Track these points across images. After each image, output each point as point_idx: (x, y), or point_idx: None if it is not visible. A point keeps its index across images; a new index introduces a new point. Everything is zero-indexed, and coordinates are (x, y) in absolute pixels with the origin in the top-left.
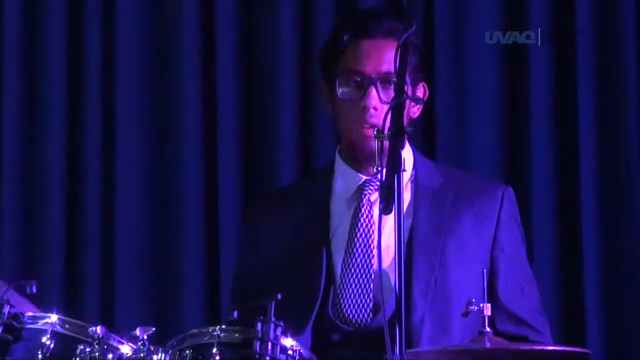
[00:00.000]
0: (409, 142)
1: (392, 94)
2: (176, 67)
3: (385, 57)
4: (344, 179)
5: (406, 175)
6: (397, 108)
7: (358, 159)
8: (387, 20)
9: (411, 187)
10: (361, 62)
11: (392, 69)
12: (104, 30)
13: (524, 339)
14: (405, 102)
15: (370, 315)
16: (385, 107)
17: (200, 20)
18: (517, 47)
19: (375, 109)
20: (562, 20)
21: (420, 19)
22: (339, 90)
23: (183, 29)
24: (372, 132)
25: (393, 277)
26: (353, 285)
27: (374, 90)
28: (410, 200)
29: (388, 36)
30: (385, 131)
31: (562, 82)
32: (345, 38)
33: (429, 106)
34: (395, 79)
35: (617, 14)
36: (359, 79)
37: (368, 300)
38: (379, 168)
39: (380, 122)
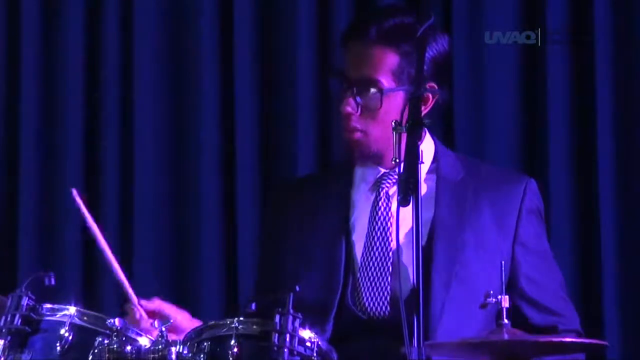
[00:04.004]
0: (430, 134)
1: (371, 99)
2: (194, 61)
3: (367, 63)
4: (363, 170)
5: (424, 167)
6: (414, 101)
7: (354, 161)
8: (384, 23)
9: (432, 179)
10: (346, 65)
11: (374, 75)
12: (122, 30)
13: (552, 328)
14: (422, 95)
15: (388, 307)
16: (367, 111)
17: (218, 15)
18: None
19: (350, 114)
20: (580, 18)
21: (438, 14)
22: (334, 89)
23: (201, 25)
24: (354, 137)
25: (411, 269)
26: (372, 277)
27: (349, 97)
28: (432, 192)
29: (381, 42)
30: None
31: (579, 77)
32: (342, 41)
33: (447, 101)
34: (373, 86)
35: (633, 12)
36: (341, 83)
37: (386, 293)
38: (397, 160)
39: (360, 125)
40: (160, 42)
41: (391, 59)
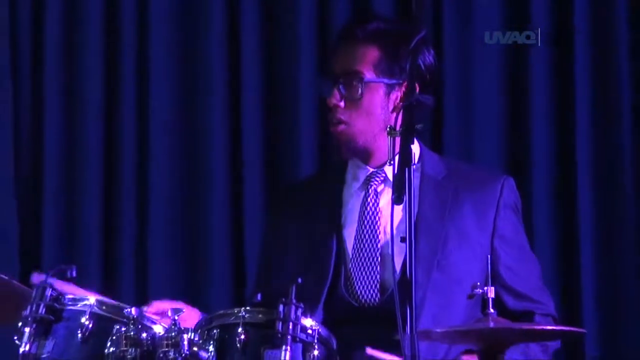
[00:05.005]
0: (415, 136)
1: (353, 89)
2: (204, 71)
3: (351, 58)
4: (354, 170)
5: None
6: (407, 108)
7: (342, 154)
8: (368, 26)
9: (417, 177)
10: (333, 64)
11: (355, 67)
12: (139, 37)
13: (530, 313)
14: (415, 101)
15: (378, 294)
16: (351, 103)
17: (226, 25)
18: (518, 47)
19: (336, 105)
20: (561, 21)
21: (428, 21)
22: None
23: (210, 38)
24: (338, 129)
25: (399, 260)
26: (362, 267)
27: (334, 90)
28: (416, 189)
29: (364, 40)
30: (397, 128)
31: (560, 80)
32: (333, 46)
33: (436, 104)
34: (355, 76)
35: (611, 16)
36: (328, 80)
37: (376, 281)
38: (392, 162)
39: (344, 117)
40: (173, 55)
41: (372, 54)
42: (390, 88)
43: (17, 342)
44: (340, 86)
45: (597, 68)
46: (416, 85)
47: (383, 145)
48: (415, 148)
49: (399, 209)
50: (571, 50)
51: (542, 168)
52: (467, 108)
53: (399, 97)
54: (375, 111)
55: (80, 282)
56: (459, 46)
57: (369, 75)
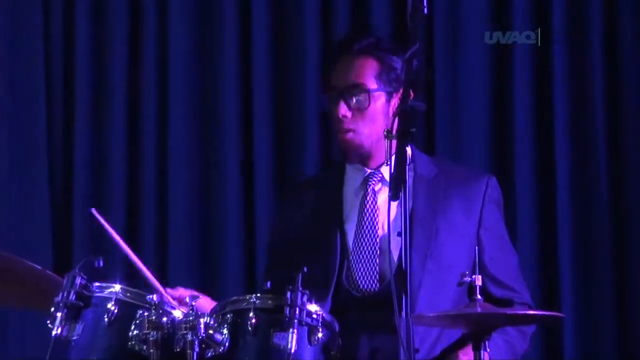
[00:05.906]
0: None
1: (360, 100)
2: (219, 83)
3: (353, 71)
4: (352, 172)
5: None
6: (402, 113)
7: (349, 159)
8: (363, 41)
9: (410, 176)
10: (335, 78)
11: (359, 79)
12: (159, 45)
13: (508, 300)
14: (409, 108)
15: (377, 283)
16: (357, 112)
17: (239, 33)
18: (503, 53)
19: (345, 116)
20: (541, 25)
21: (421, 32)
22: (326, 104)
23: (224, 45)
24: (347, 137)
25: (396, 252)
26: (363, 259)
27: (341, 102)
28: (410, 187)
29: (362, 53)
30: (394, 132)
31: (540, 84)
32: (330, 60)
33: (428, 109)
34: (361, 88)
35: (586, 23)
36: (333, 93)
37: (375, 272)
38: (389, 163)
39: (352, 125)
40: (191, 61)
41: (372, 66)
42: (389, 95)
43: (49, 325)
44: (347, 98)
45: (574, 71)
46: (410, 92)
47: (381, 148)
48: (408, 149)
49: (394, 206)
50: (551, 55)
51: (525, 167)
52: (455, 112)
53: (397, 103)
54: (378, 118)
55: (106, 272)
56: (448, 54)
57: (372, 86)
